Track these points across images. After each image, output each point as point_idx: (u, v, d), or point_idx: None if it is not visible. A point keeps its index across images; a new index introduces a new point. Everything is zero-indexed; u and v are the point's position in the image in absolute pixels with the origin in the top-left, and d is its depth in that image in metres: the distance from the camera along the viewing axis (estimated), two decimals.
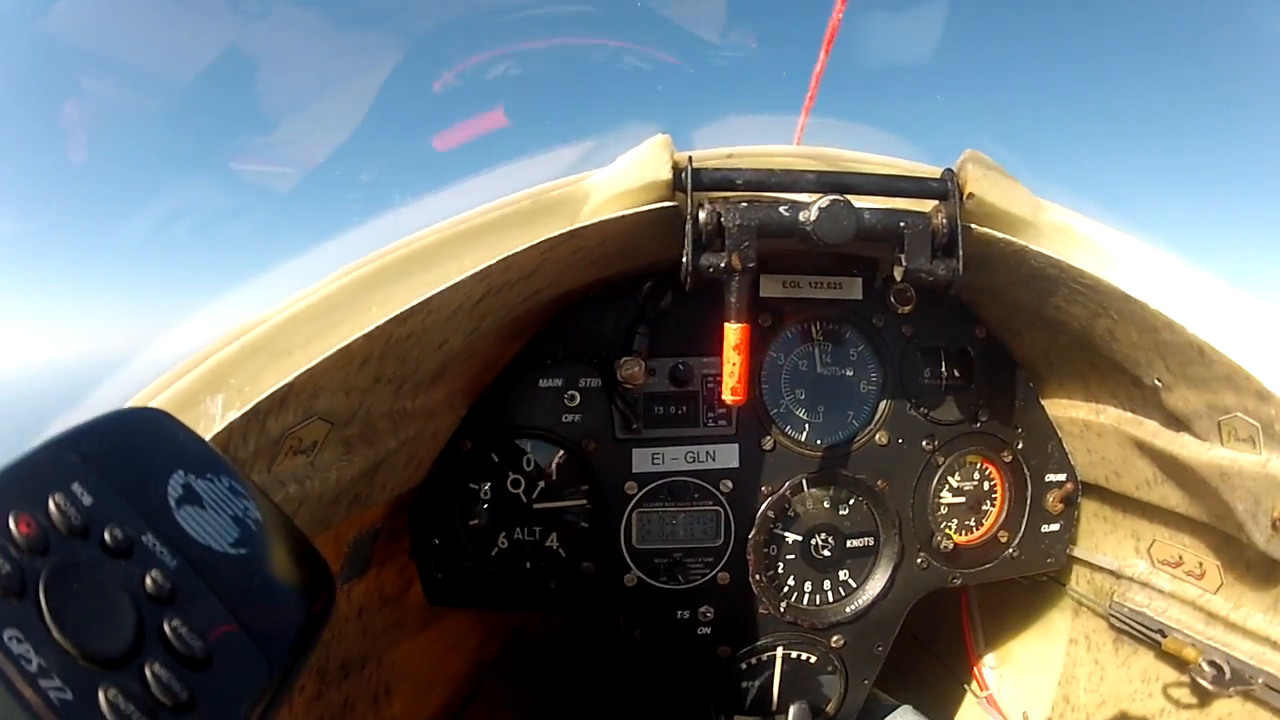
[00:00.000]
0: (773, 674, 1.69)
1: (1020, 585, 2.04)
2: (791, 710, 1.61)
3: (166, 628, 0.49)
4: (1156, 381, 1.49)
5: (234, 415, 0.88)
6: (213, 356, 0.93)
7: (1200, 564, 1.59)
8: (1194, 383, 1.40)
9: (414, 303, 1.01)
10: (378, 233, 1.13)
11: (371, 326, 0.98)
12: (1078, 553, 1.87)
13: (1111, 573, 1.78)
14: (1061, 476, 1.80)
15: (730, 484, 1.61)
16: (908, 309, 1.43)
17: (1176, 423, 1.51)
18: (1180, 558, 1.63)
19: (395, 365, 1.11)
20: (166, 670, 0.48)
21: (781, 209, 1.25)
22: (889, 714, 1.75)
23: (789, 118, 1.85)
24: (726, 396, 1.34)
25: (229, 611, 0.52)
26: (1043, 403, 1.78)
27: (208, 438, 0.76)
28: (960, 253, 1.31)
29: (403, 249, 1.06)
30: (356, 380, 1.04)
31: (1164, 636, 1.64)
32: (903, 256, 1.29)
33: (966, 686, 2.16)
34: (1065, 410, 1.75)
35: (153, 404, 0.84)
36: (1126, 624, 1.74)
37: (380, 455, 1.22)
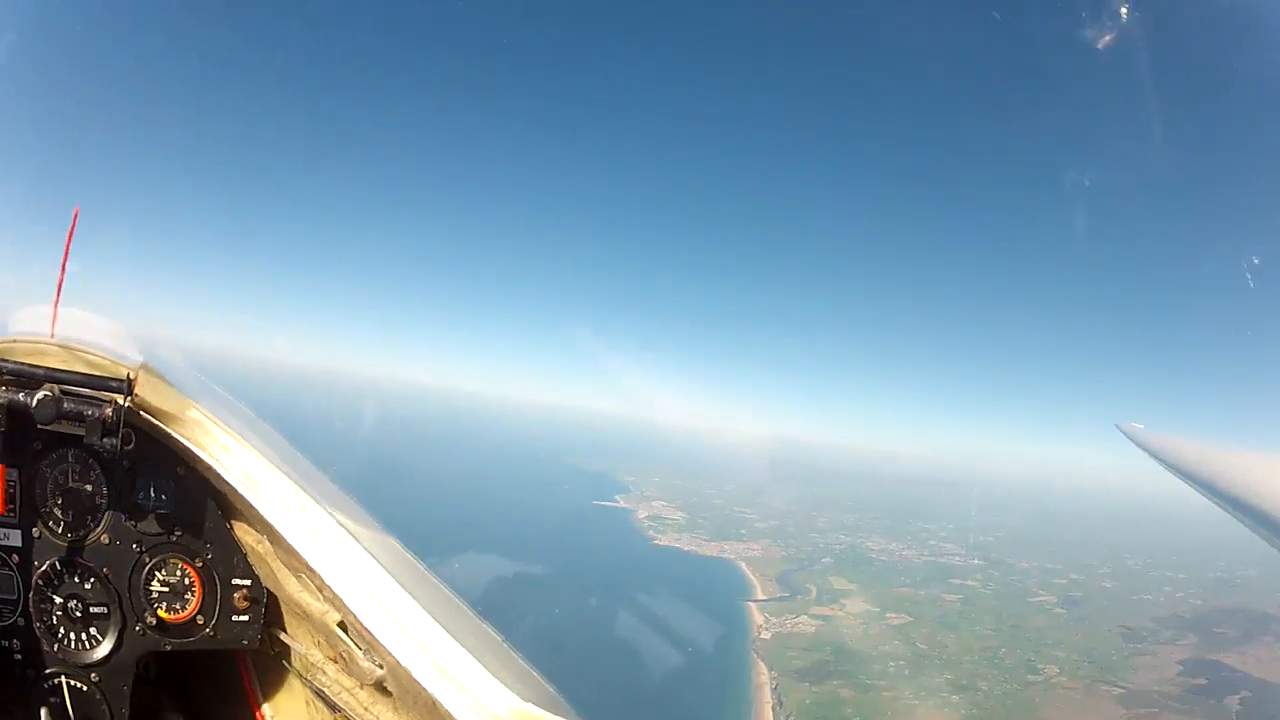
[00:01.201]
0: (64, 695, 2.35)
1: (269, 655, 2.71)
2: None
3: None
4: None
5: None
6: None
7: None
8: (280, 547, 2.20)
9: None
10: None
11: None
12: (286, 639, 2.57)
13: (305, 657, 2.51)
14: (246, 582, 2.51)
15: (16, 557, 2.31)
16: (126, 449, 2.22)
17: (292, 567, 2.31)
18: (338, 657, 2.33)
19: None
20: None
21: (19, 395, 2.09)
22: None
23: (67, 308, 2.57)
24: None
25: None
26: (233, 526, 2.51)
27: None
28: (119, 434, 2.15)
29: None
30: None
31: (337, 711, 2.34)
32: (83, 433, 2.15)
33: None
34: (247, 535, 2.50)
35: None
36: (322, 696, 2.43)
37: None
